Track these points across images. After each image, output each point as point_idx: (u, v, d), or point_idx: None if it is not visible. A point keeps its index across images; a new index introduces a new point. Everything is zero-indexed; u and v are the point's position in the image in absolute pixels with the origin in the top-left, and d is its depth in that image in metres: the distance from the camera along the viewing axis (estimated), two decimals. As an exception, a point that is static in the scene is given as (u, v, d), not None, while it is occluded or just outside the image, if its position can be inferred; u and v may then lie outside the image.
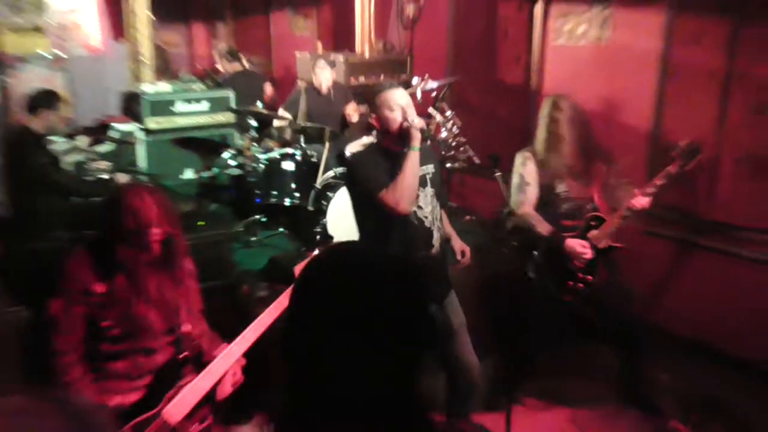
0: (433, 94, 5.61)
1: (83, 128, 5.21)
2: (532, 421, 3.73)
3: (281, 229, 5.39)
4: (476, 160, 5.27)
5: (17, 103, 5.37)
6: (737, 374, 4.21)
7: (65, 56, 5.63)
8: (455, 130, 5.40)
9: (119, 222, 2.48)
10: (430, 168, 3.14)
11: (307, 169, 5.29)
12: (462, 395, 3.40)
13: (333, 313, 1.02)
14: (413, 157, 2.91)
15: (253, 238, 5.22)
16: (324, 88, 5.62)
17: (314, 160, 5.35)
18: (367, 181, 2.98)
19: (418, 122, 2.96)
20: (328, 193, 4.97)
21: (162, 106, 5.57)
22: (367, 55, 6.74)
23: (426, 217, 3.08)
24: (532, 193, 3.75)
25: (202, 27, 9.33)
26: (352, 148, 5.22)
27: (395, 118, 2.96)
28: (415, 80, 5.72)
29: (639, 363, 3.91)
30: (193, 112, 5.69)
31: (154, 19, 6.03)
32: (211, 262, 3.97)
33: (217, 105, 5.77)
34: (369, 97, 3.12)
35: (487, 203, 5.41)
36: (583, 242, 3.65)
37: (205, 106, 5.74)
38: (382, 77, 6.53)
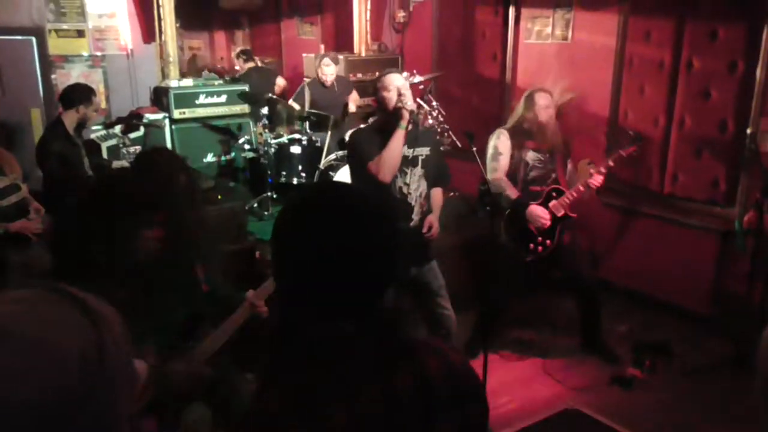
0: (421, 87, 5.57)
1: (117, 118, 5.16)
2: (506, 369, 3.74)
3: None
4: (458, 143, 5.25)
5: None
6: (680, 322, 4.24)
7: (103, 55, 5.57)
8: (440, 118, 5.36)
9: (150, 173, 2.41)
10: (424, 150, 3.09)
11: (312, 153, 5.28)
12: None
13: (310, 238, 0.98)
14: (399, 134, 2.91)
15: (266, 213, 5.19)
16: (328, 82, 5.59)
17: (318, 144, 5.32)
18: (361, 153, 2.98)
19: (409, 104, 2.93)
20: (330, 173, 4.94)
21: (186, 99, 5.54)
22: (363, 54, 6.71)
23: (410, 194, 3.05)
24: (504, 161, 3.68)
25: (223, 34, 9.26)
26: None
27: (391, 98, 2.95)
28: (404, 75, 5.46)
29: (597, 316, 3.90)
30: (213, 103, 5.66)
31: (179, 26, 5.98)
32: (230, 230, 3.96)
33: (234, 98, 5.73)
34: (374, 82, 3.10)
35: (468, 181, 5.38)
36: (544, 210, 3.62)
37: (223, 98, 5.71)
38: (377, 73, 6.38)
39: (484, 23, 5.78)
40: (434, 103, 5.40)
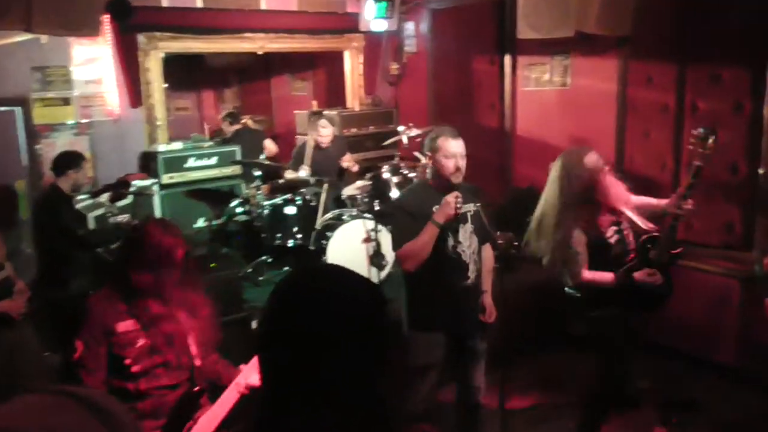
0: (418, 140, 5.52)
1: (104, 185, 5.18)
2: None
3: (287, 268, 5.29)
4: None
5: (48, 166, 5.39)
6: (706, 375, 4.20)
7: (89, 122, 5.66)
8: None
9: (144, 249, 2.38)
10: (470, 206, 3.10)
11: (308, 213, 5.25)
12: (468, 411, 3.34)
13: (302, 324, 1.01)
14: (431, 230, 2.92)
15: (261, 278, 5.14)
16: (325, 143, 5.66)
17: (314, 204, 5.33)
18: (394, 233, 3.15)
19: (463, 205, 2.92)
20: (327, 233, 4.91)
21: (175, 163, 5.59)
22: (357, 109, 6.82)
23: (464, 251, 3.06)
24: (584, 258, 3.21)
25: (211, 92, 9.44)
26: (348, 191, 5.38)
27: (448, 165, 2.96)
28: (400, 128, 5.76)
29: (622, 372, 3.72)
30: (203, 166, 5.71)
31: (167, 87, 6.11)
32: (223, 299, 3.93)
33: (225, 159, 5.80)
34: (430, 138, 3.08)
35: None
36: (649, 270, 3.16)
37: (213, 160, 5.77)
38: (371, 128, 6.59)
39: (481, 72, 5.96)
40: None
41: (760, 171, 4.13)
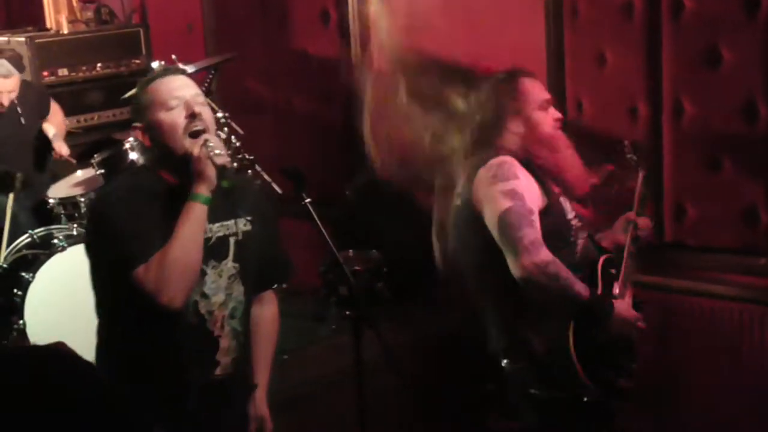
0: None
1: None
2: None
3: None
4: (277, 189, 5.35)
5: None
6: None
7: None
8: (235, 142, 5.43)
9: None
10: (238, 225, 3.07)
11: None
12: None
13: None
14: (195, 212, 2.86)
15: None
16: (5, 102, 5.56)
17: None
18: (116, 246, 2.88)
19: (216, 149, 2.88)
20: (22, 273, 4.99)
21: None
22: (66, 30, 6.67)
23: (211, 313, 2.98)
24: (537, 223, 3.44)
25: None
26: (61, 191, 5.58)
27: (174, 123, 2.90)
28: (155, 65, 5.71)
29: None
30: None
31: None
32: None
33: None
34: (133, 96, 3.13)
35: (300, 260, 5.12)
36: (629, 307, 3.63)
37: None
38: (98, 67, 6.57)
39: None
40: (220, 115, 5.40)
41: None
